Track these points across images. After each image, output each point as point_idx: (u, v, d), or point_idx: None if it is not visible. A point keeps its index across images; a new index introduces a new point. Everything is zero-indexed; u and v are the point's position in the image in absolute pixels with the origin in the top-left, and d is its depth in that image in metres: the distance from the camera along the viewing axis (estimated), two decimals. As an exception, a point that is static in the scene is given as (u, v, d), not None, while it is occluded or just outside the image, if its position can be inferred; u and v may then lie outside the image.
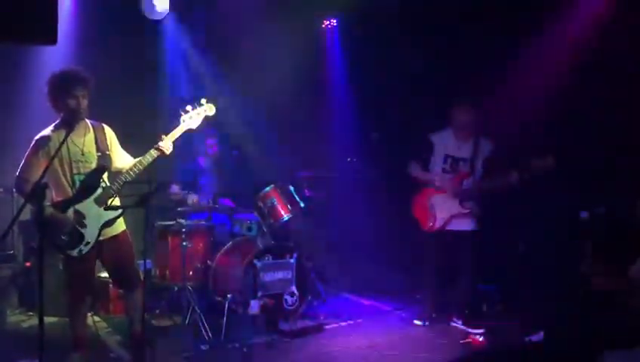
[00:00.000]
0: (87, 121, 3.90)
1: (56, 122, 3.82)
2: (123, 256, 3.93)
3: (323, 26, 7.12)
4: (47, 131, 3.78)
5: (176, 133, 3.93)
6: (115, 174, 3.87)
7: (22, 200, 3.43)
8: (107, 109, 4.18)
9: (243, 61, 6.38)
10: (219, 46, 6.40)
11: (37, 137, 3.77)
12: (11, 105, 5.45)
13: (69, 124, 3.68)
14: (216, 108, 4.13)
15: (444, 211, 4.98)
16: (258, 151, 6.47)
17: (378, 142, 6.60)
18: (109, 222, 3.78)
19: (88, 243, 3.71)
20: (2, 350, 4.29)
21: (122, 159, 3.99)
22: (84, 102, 3.75)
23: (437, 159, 5.08)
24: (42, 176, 3.30)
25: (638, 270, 2.80)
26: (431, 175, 5.07)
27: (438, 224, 4.99)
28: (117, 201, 3.86)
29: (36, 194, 3.15)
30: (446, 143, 5.07)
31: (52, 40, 2.75)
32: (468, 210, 4.93)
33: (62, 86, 3.70)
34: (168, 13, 6.01)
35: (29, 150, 3.76)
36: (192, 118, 4.00)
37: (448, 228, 4.99)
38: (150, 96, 6.13)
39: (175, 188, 5.40)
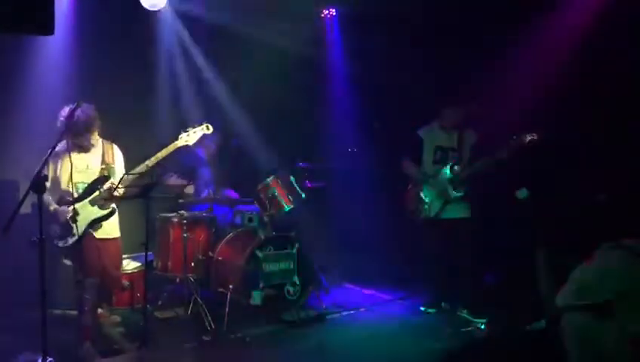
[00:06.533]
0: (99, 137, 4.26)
1: (68, 140, 4.02)
2: (109, 260, 4.21)
3: (322, 15, 7.08)
4: (62, 145, 3.99)
5: (171, 148, 4.30)
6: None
7: (21, 196, 3.47)
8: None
9: (242, 50, 6.34)
10: (218, 35, 6.35)
11: (55, 148, 3.77)
12: (10, 103, 5.40)
13: (79, 146, 4.11)
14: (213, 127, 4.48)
15: (435, 200, 5.06)
16: (258, 141, 6.44)
17: (379, 130, 6.57)
18: (98, 220, 4.11)
19: (74, 235, 4.01)
20: (6, 343, 4.29)
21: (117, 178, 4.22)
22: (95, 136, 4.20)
23: (427, 152, 5.21)
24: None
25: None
26: (420, 172, 5.20)
27: (431, 212, 5.07)
28: (113, 204, 4.17)
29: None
30: (434, 136, 5.21)
31: (49, 30, 2.72)
32: (460, 195, 4.97)
33: (82, 128, 4.05)
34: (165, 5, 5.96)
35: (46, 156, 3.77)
36: (190, 135, 4.41)
37: (444, 216, 5.04)
38: (147, 93, 6.10)
39: (174, 178, 5.39)
